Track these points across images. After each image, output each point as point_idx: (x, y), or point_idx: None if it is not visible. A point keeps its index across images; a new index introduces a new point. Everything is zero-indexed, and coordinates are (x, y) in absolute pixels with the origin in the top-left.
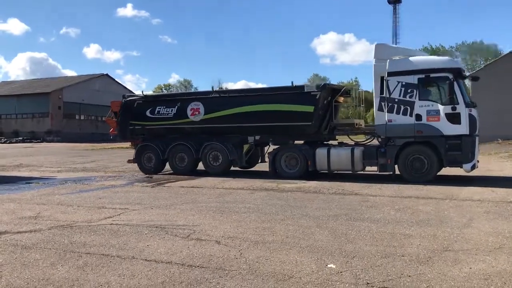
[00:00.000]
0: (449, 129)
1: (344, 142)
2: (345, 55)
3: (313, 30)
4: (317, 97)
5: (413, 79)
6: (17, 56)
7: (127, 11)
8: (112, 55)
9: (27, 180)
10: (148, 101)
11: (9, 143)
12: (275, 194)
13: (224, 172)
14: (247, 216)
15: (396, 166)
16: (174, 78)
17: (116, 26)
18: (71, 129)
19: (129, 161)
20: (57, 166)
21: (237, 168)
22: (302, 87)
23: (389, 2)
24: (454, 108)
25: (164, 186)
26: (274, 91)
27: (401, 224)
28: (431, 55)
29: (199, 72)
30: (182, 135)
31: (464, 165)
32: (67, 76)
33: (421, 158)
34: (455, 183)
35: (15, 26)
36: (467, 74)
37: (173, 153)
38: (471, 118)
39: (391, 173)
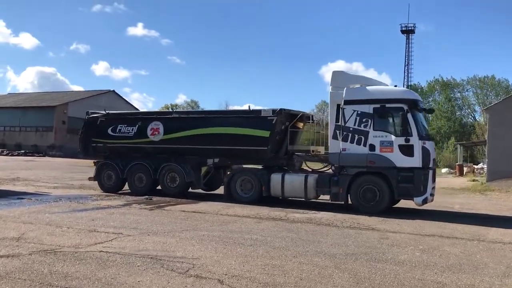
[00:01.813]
0: (402, 161)
1: (303, 168)
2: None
3: (321, 58)
4: (273, 122)
5: (368, 109)
6: (26, 70)
7: (138, 30)
8: (120, 73)
9: (20, 195)
10: (111, 118)
11: (11, 155)
12: (284, 225)
13: (181, 194)
14: (254, 250)
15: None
16: (181, 99)
17: (126, 45)
18: (74, 145)
19: (89, 179)
20: (54, 181)
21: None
22: (259, 111)
23: (402, 32)
24: (407, 140)
25: (164, 210)
26: (232, 114)
27: (430, 269)
28: (442, 87)
29: (206, 94)
30: (142, 155)
31: (415, 198)
32: (73, 91)
33: (373, 189)
34: (478, 222)
35: (26, 41)
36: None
37: (132, 173)
38: (424, 150)
39: (343, 202)
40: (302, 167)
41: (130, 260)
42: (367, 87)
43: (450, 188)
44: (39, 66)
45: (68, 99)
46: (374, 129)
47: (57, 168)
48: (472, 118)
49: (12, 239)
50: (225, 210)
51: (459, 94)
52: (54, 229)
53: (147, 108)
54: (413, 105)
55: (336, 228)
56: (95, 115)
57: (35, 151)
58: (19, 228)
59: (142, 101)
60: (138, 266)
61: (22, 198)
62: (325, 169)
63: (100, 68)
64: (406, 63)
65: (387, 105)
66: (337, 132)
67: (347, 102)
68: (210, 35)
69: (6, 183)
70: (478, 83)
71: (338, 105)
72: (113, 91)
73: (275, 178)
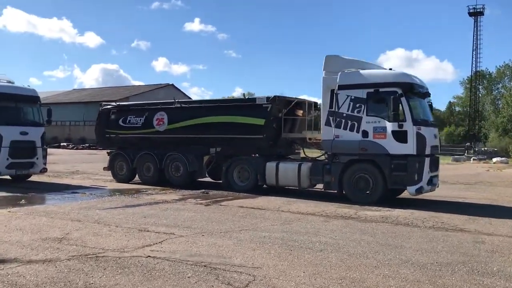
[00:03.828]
0: (395, 147)
1: (307, 157)
2: (413, 72)
3: (379, 46)
4: (268, 109)
5: (362, 94)
6: (91, 68)
7: (195, 25)
8: (179, 69)
9: (75, 189)
10: (121, 110)
11: (75, 149)
12: (356, 225)
13: (185, 184)
14: (325, 257)
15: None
16: (238, 92)
17: (184, 40)
18: None
19: (104, 169)
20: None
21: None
22: (254, 99)
23: (470, 14)
24: (400, 126)
25: (221, 205)
26: (230, 103)
27: None
28: None
29: (262, 86)
30: (150, 145)
31: (408, 188)
32: (133, 86)
33: (366, 178)
34: None
35: (91, 39)
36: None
37: (140, 163)
38: (419, 136)
39: (336, 191)
40: (303, 155)
41: (179, 268)
42: (361, 71)
43: None
44: (103, 64)
45: (128, 93)
46: (367, 115)
47: None
48: None
49: (54, 240)
50: (286, 206)
51: None
52: (101, 228)
53: None
54: (408, 89)
55: (418, 229)
56: (108, 106)
57: None
58: (65, 226)
59: (200, 95)
60: (188, 277)
61: (76, 192)
62: (321, 157)
63: (160, 63)
64: (474, 47)
65: (381, 90)
66: (330, 118)
67: (341, 87)
68: (265, 28)
69: (65, 176)
70: None
71: (332, 91)
72: (172, 84)
73: (270, 166)
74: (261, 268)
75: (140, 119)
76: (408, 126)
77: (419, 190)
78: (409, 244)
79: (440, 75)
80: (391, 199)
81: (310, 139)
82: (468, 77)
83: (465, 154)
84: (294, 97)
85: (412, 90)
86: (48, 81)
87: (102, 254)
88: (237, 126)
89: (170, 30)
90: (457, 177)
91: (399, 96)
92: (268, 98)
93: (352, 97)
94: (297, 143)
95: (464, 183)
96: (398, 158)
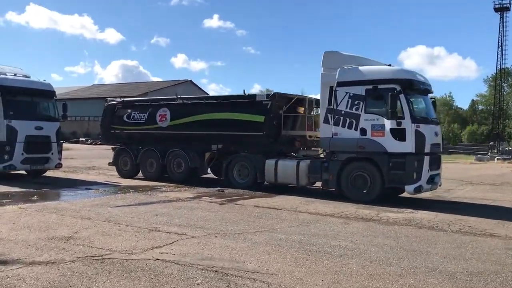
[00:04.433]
0: (393, 145)
1: (306, 154)
2: (434, 69)
3: (400, 43)
4: (268, 106)
5: (360, 90)
6: (110, 64)
7: (213, 22)
8: (198, 65)
9: (89, 185)
10: (126, 106)
11: (94, 144)
12: (378, 228)
13: (186, 180)
14: (345, 263)
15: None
16: (256, 88)
17: (202, 37)
18: None
19: (109, 164)
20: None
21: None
22: (254, 96)
23: (496, 10)
24: (399, 123)
25: (236, 204)
26: (230, 100)
27: None
28: None
29: (281, 83)
30: (153, 141)
31: (406, 187)
32: (152, 82)
33: (364, 176)
34: None
35: (111, 36)
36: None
37: (144, 158)
38: (418, 134)
39: (334, 189)
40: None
41: (189, 273)
42: (360, 68)
43: None
44: (123, 60)
45: (147, 89)
46: (365, 112)
47: None
48: None
49: (61, 239)
50: (304, 206)
51: None
52: (111, 227)
53: None
54: (407, 85)
55: (444, 233)
56: (113, 102)
57: None
58: (74, 224)
59: (218, 92)
60: (197, 284)
61: (90, 189)
62: (320, 154)
63: (179, 60)
64: (500, 44)
65: (380, 86)
66: (329, 115)
67: (339, 84)
68: (284, 25)
69: (81, 171)
70: None
71: (331, 88)
72: (190, 81)
73: (269, 164)
74: (276, 274)
75: (144, 115)
76: (407, 124)
77: (418, 189)
78: (435, 250)
79: (462, 72)
80: (413, 200)
81: (310, 136)
82: (492, 74)
83: (489, 153)
84: (295, 94)
85: (412, 86)
86: (69, 77)
87: (108, 255)
88: (238, 123)
89: (189, 26)
90: (482, 177)
91: (397, 93)
92: (268, 94)
93: (351, 94)
94: (299, 141)
95: (490, 184)
96: (396, 156)
